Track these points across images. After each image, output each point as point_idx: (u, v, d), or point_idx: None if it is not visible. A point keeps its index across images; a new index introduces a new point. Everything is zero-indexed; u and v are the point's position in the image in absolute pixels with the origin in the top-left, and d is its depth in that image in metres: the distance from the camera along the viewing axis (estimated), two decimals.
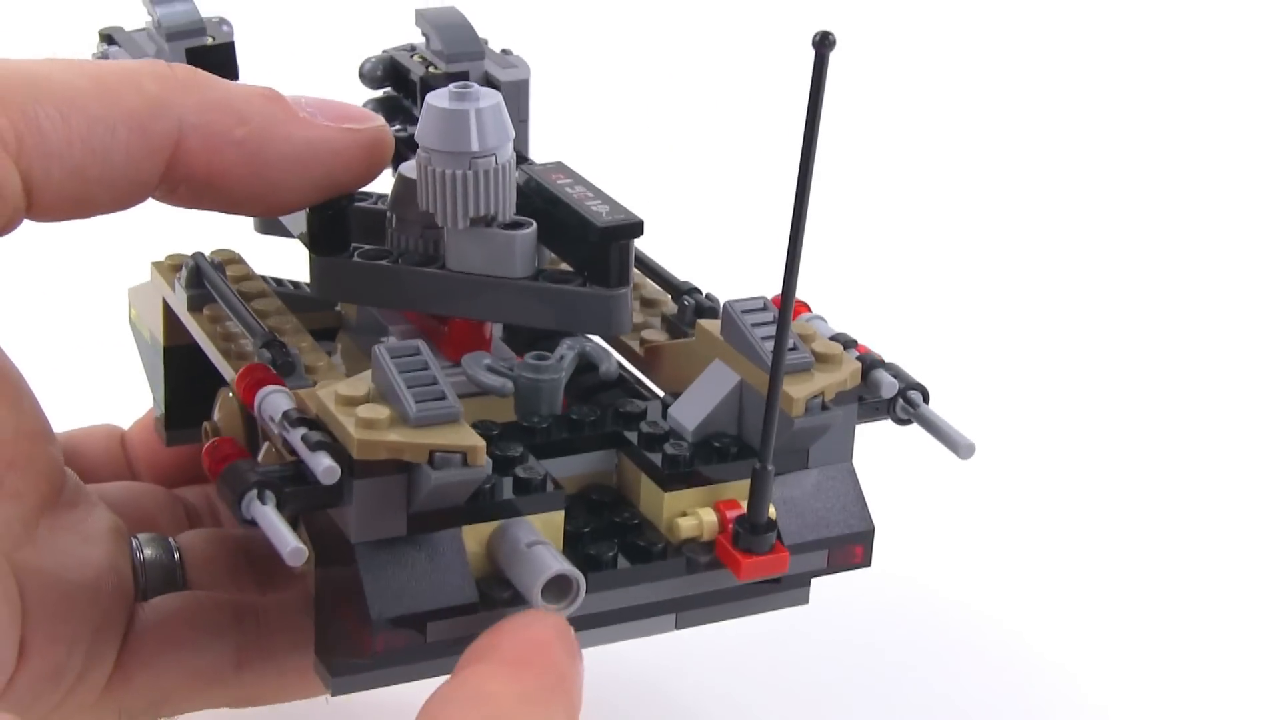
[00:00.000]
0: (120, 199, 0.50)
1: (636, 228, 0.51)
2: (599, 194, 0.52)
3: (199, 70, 0.51)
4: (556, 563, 0.45)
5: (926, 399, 0.52)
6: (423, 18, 0.60)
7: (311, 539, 0.48)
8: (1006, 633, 0.68)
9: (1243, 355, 0.89)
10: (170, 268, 0.56)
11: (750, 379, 0.49)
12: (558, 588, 0.46)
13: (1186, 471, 0.79)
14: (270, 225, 0.58)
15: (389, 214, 0.53)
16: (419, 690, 0.45)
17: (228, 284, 0.54)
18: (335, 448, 0.45)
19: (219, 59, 0.57)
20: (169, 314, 0.57)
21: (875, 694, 0.65)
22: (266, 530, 0.44)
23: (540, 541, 0.46)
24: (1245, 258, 0.98)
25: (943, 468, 0.66)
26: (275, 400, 0.47)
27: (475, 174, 0.50)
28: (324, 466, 0.44)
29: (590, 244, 0.51)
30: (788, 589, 0.53)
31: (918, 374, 0.53)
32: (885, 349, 0.53)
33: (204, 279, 0.55)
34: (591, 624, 0.50)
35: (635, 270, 0.58)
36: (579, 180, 0.53)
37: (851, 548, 0.50)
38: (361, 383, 0.46)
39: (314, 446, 0.45)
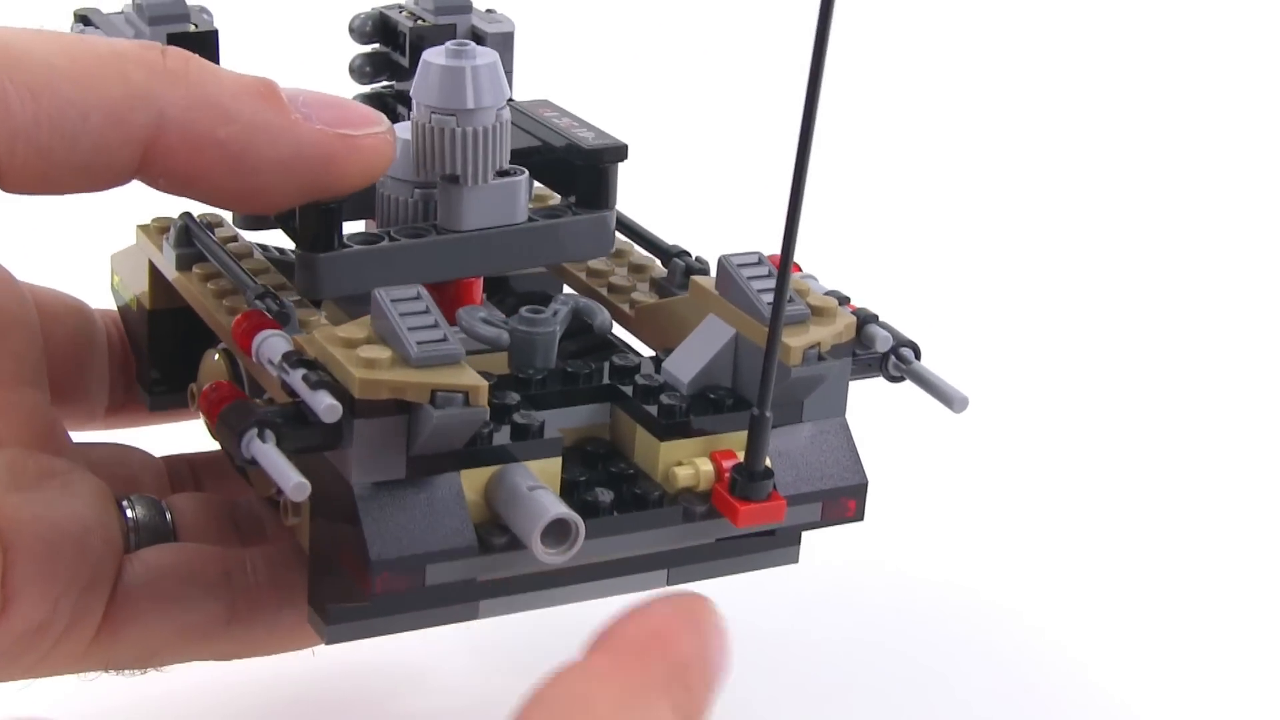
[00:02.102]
0: (94, 182, 0.48)
1: (621, 150, 0.54)
2: (584, 124, 0.55)
3: (194, 58, 0.49)
4: (556, 506, 0.45)
5: (918, 355, 0.52)
6: None
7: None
8: (1000, 609, 0.69)
9: (1235, 315, 0.90)
10: (157, 230, 0.56)
11: (746, 331, 0.49)
12: (557, 532, 0.45)
13: (1178, 441, 0.80)
14: (255, 220, 0.58)
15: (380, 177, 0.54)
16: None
17: (217, 242, 0.54)
18: (336, 387, 0.45)
19: (201, 46, 0.55)
20: (155, 276, 0.56)
21: (867, 666, 0.66)
22: (268, 467, 0.44)
23: (539, 486, 0.46)
24: (1236, 232, 1.00)
25: (932, 431, 0.67)
26: (274, 343, 0.47)
27: (501, 126, 0.51)
28: (325, 404, 0.44)
29: (578, 167, 0.53)
30: (779, 546, 0.53)
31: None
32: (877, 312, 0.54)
33: (193, 238, 0.54)
34: (584, 576, 0.50)
35: (623, 237, 0.58)
36: (565, 113, 0.55)
37: (845, 501, 0.50)
38: (361, 327, 0.46)
39: (315, 385, 0.45)
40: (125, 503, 0.54)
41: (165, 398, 0.58)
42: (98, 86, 0.47)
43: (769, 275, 0.50)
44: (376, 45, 0.61)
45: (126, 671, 0.53)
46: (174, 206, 0.56)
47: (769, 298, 0.49)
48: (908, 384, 0.52)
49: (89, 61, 0.47)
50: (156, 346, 0.57)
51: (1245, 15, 1.22)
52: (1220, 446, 0.81)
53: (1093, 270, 0.95)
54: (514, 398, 0.48)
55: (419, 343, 0.45)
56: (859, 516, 0.51)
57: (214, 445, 0.57)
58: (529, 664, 0.63)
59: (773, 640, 0.66)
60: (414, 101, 0.52)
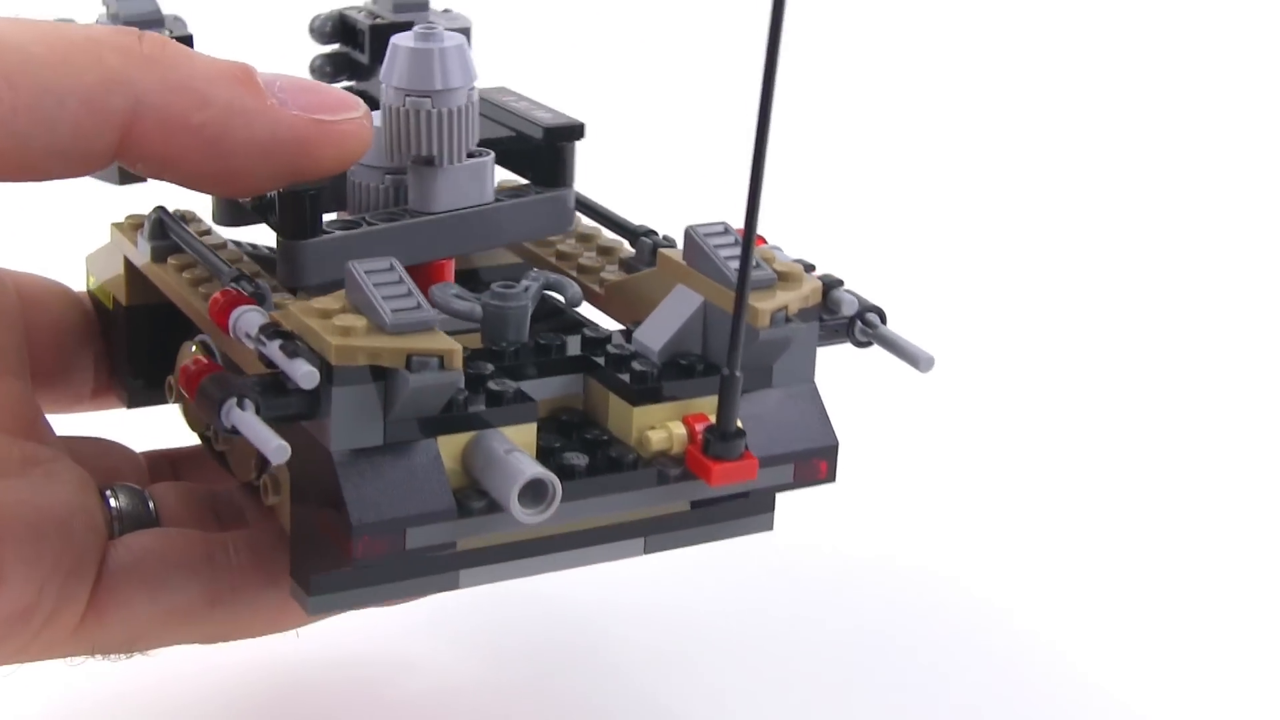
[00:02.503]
0: (73, 168, 0.49)
1: (577, 128, 0.55)
2: (542, 106, 0.56)
3: (170, 43, 0.49)
4: (532, 467, 0.46)
5: (884, 320, 0.53)
6: None
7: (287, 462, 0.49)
8: (985, 600, 0.70)
9: (1221, 301, 0.92)
10: (131, 226, 0.57)
11: (714, 299, 0.50)
12: (534, 492, 0.46)
13: (1168, 433, 0.81)
14: (232, 218, 0.58)
15: (351, 166, 0.55)
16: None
17: (191, 234, 0.55)
18: (313, 356, 0.46)
19: None
20: (131, 272, 0.57)
21: (853, 656, 0.66)
22: (248, 434, 0.45)
23: (516, 449, 0.47)
24: (1223, 221, 1.02)
25: (927, 431, 0.67)
26: (251, 317, 0.48)
27: (471, 106, 0.53)
28: (303, 371, 0.45)
29: (537, 148, 0.55)
30: (753, 514, 0.54)
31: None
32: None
33: (168, 230, 0.55)
34: (562, 545, 0.51)
35: (591, 221, 0.59)
36: (523, 98, 0.57)
37: (816, 463, 0.51)
38: (336, 299, 0.47)
39: (292, 354, 0.45)
40: (108, 492, 0.54)
41: (143, 393, 0.59)
42: (74, 72, 0.47)
43: (735, 244, 0.51)
44: (336, 46, 0.62)
45: (112, 656, 0.53)
46: (150, 204, 0.57)
47: (736, 264, 0.50)
48: (888, 386, 0.53)
49: (65, 48, 0.48)
50: (134, 343, 0.58)
51: (1244, 15, 1.23)
52: (1209, 435, 0.82)
53: (1081, 257, 0.96)
54: (488, 368, 0.49)
55: (394, 310, 0.46)
56: (830, 478, 0.52)
57: (193, 439, 0.58)
58: (508, 649, 0.65)
59: (762, 633, 0.67)
60: (383, 86, 0.53)
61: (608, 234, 0.59)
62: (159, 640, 0.53)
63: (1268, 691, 0.65)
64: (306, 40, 0.62)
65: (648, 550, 0.52)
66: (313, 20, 0.62)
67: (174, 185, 0.52)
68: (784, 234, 0.59)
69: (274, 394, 0.46)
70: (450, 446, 0.47)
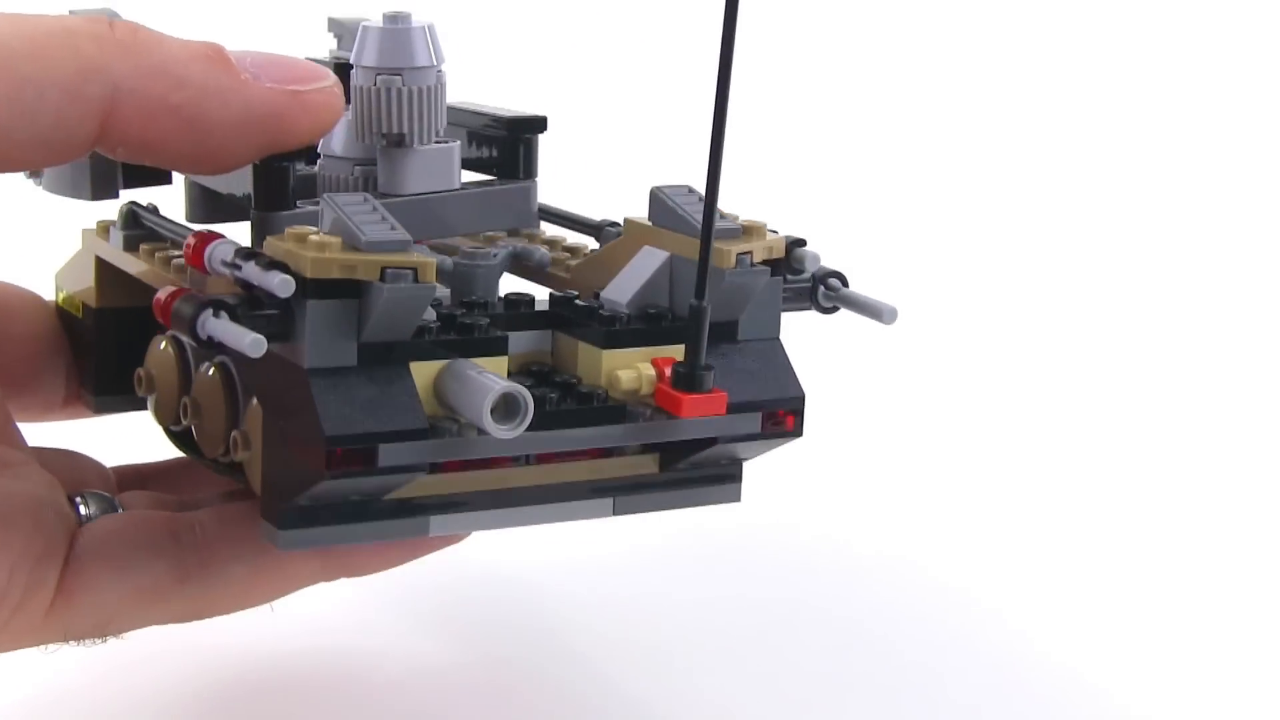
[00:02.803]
0: (55, 156, 0.50)
1: (540, 121, 0.57)
2: (499, 107, 0.58)
3: (141, 28, 0.51)
4: (504, 383, 0.46)
5: (845, 284, 0.54)
6: (336, 23, 0.64)
7: (259, 396, 0.49)
8: (979, 600, 0.70)
9: (1217, 297, 0.93)
10: (102, 228, 0.58)
11: (681, 251, 0.51)
12: (506, 407, 0.47)
13: (1159, 433, 0.82)
14: (206, 214, 0.60)
15: (320, 161, 0.56)
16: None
17: (164, 220, 0.56)
18: (289, 273, 0.46)
19: None
20: (102, 273, 0.58)
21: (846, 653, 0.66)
22: (224, 336, 0.45)
23: (486, 371, 0.47)
24: (1205, 221, 1.04)
25: (920, 430, 0.67)
26: (225, 247, 0.49)
27: (441, 87, 0.54)
28: (278, 279, 0.46)
29: (501, 141, 0.56)
30: (721, 482, 0.54)
31: None
32: None
33: (140, 219, 0.56)
34: (531, 499, 0.51)
35: (555, 227, 0.61)
36: (480, 103, 0.59)
37: (783, 415, 0.52)
38: (310, 230, 0.48)
39: (267, 267, 0.46)
40: (78, 499, 0.54)
41: (111, 399, 0.59)
42: (52, 63, 0.48)
43: (699, 202, 0.52)
44: None
45: (86, 641, 0.53)
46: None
47: (701, 216, 0.51)
48: (877, 379, 0.54)
49: (42, 39, 0.49)
50: (103, 346, 0.58)
51: (1244, 14, 1.26)
52: (1203, 431, 0.83)
53: (1073, 253, 0.98)
54: (459, 311, 0.50)
55: (369, 230, 0.47)
56: (798, 432, 0.52)
57: (162, 455, 0.59)
58: (481, 636, 0.64)
59: (740, 625, 0.67)
60: (354, 69, 0.55)
61: (572, 236, 0.60)
62: (131, 621, 0.53)
63: (1262, 690, 0.65)
64: None
65: (616, 511, 0.52)
66: None
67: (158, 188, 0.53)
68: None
69: (249, 306, 0.46)
70: (422, 375, 0.48)
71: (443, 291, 0.54)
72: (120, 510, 0.55)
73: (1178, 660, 0.67)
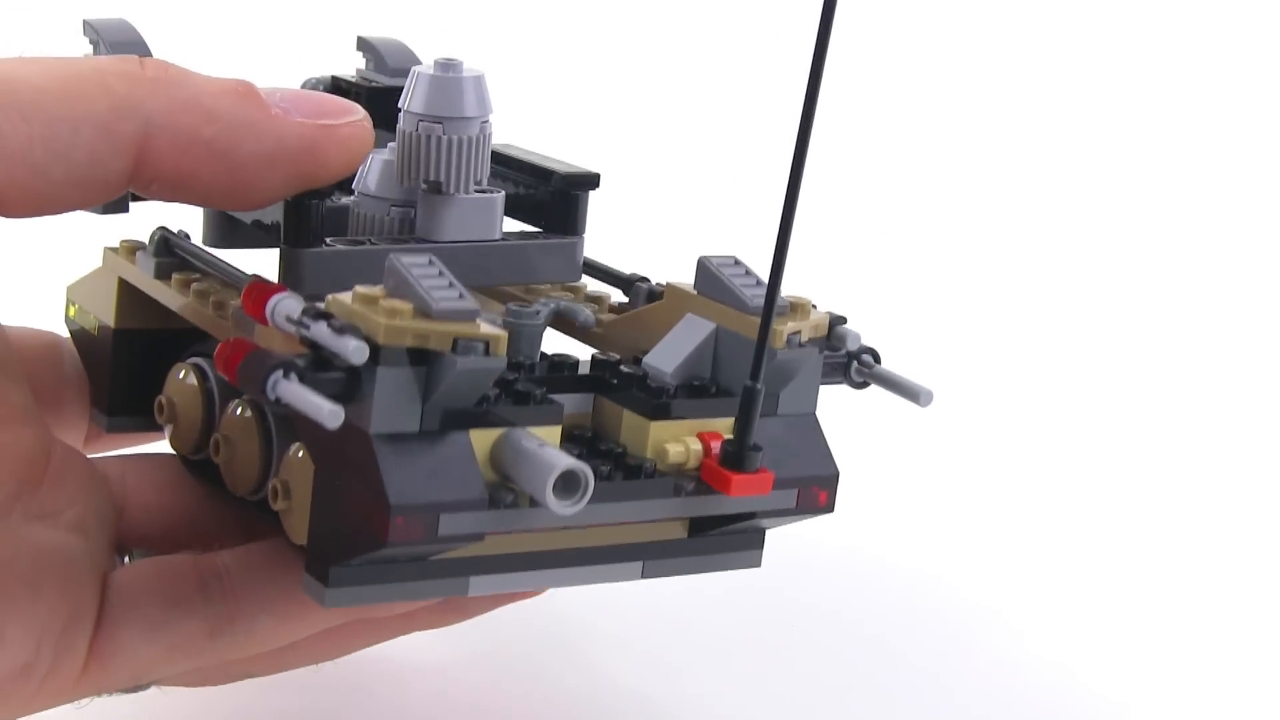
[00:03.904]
0: (90, 196, 0.50)
1: (593, 178, 0.57)
2: (552, 158, 0.58)
3: (170, 65, 0.51)
4: (567, 458, 0.47)
5: (878, 360, 0.55)
6: (365, 43, 0.64)
7: (310, 450, 0.49)
8: (982, 606, 0.71)
9: (1210, 307, 0.96)
10: (128, 250, 0.57)
11: (728, 323, 0.52)
12: (566, 483, 0.47)
13: (1155, 439, 0.84)
14: (224, 238, 0.59)
15: (355, 198, 0.56)
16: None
17: (199, 249, 0.55)
18: (360, 336, 0.46)
19: None
20: (124, 295, 0.57)
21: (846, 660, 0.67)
22: (298, 402, 0.45)
23: (547, 444, 0.48)
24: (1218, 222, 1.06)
25: (914, 435, 0.69)
26: (290, 302, 0.49)
27: (485, 138, 0.54)
28: (353, 346, 0.46)
29: (552, 193, 0.56)
30: (745, 549, 0.55)
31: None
32: None
33: (174, 247, 0.56)
34: (566, 561, 0.52)
35: (586, 278, 0.61)
36: (531, 152, 0.59)
37: (816, 491, 0.53)
38: (375, 289, 0.48)
39: (340, 330, 0.46)
40: (126, 559, 0.55)
41: (123, 419, 0.58)
42: (84, 101, 0.48)
43: (747, 274, 0.53)
44: None
45: (119, 693, 0.53)
46: (127, 234, 0.58)
47: (751, 291, 0.52)
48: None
49: (73, 80, 0.49)
50: (120, 367, 0.58)
51: (1239, 19, 1.28)
52: (1192, 439, 0.85)
53: (1064, 265, 0.99)
54: (512, 374, 0.50)
55: (440, 297, 0.47)
56: (829, 508, 0.53)
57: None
58: (479, 635, 0.65)
59: (744, 630, 0.69)
60: (401, 113, 0.54)
61: (596, 282, 0.60)
62: (163, 674, 0.53)
63: (1258, 691, 0.67)
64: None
65: (645, 575, 0.53)
66: (304, 84, 0.63)
67: (167, 206, 0.53)
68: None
69: (318, 368, 0.46)
70: (480, 441, 0.48)
71: None
72: None
73: (1178, 661, 0.68)
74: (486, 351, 0.47)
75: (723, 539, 0.54)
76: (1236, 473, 0.83)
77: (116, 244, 0.58)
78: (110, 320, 0.58)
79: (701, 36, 1.25)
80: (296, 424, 0.50)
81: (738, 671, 0.66)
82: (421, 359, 0.47)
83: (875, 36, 1.25)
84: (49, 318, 0.61)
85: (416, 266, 0.48)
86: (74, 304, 0.60)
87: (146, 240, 0.57)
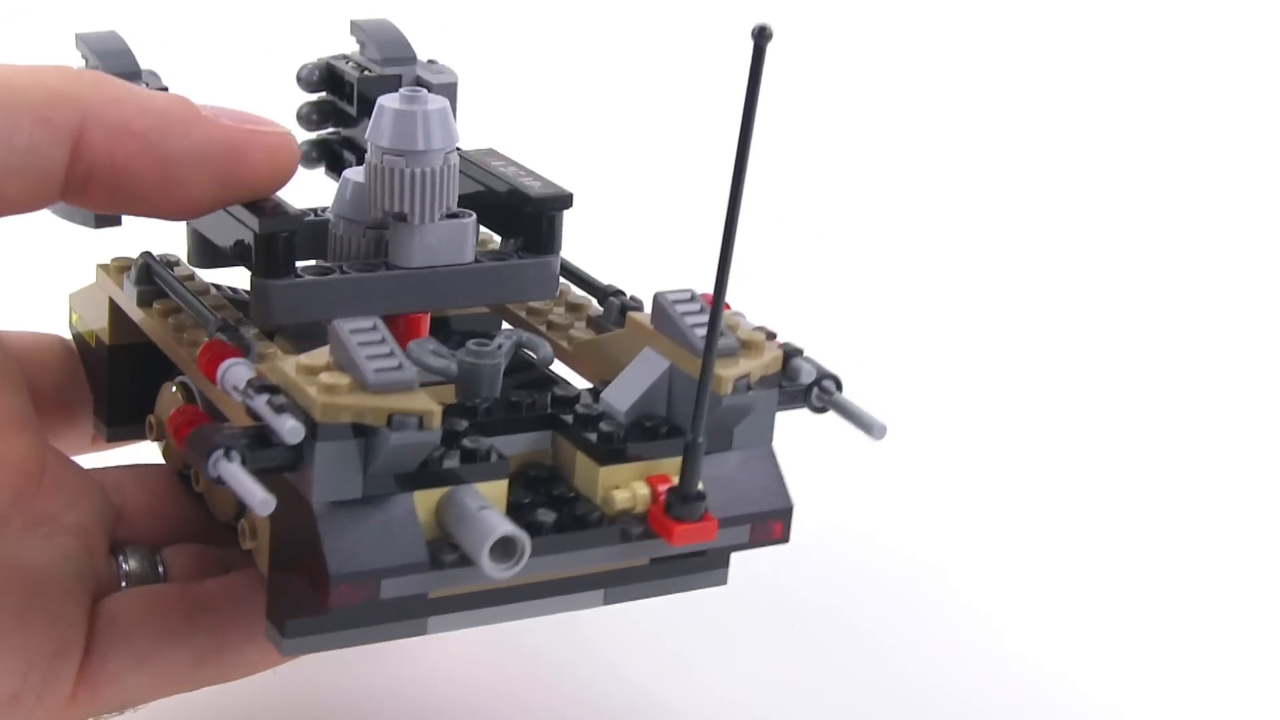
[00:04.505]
0: (29, 191, 0.51)
1: (567, 199, 0.57)
2: (530, 172, 0.58)
3: (106, 74, 0.53)
4: (504, 524, 0.48)
5: (840, 387, 0.56)
6: (357, 27, 0.64)
7: None
8: (973, 608, 0.72)
9: (1198, 310, 0.95)
10: (117, 269, 0.59)
11: (680, 363, 0.53)
12: (504, 549, 0.48)
13: (1146, 449, 0.84)
14: (205, 258, 0.60)
15: (333, 219, 0.57)
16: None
17: (177, 279, 0.57)
18: (298, 411, 0.48)
19: None
20: (115, 313, 0.59)
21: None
22: (234, 485, 0.47)
23: (487, 506, 0.49)
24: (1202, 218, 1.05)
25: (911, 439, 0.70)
26: (238, 371, 0.50)
27: (449, 169, 0.55)
28: (289, 427, 0.47)
29: (525, 215, 0.56)
30: (709, 569, 0.56)
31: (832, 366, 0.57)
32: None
33: (154, 275, 0.57)
34: (525, 595, 0.53)
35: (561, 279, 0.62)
36: (511, 162, 0.59)
37: (771, 524, 0.54)
38: (321, 355, 0.49)
39: (278, 409, 0.48)
40: (120, 556, 0.57)
41: (122, 429, 0.61)
42: (22, 91, 0.50)
43: (701, 310, 0.53)
44: (323, 94, 0.64)
45: (105, 717, 0.56)
46: (125, 247, 0.60)
47: (701, 332, 0.52)
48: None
49: (9, 75, 0.50)
50: (115, 380, 0.60)
51: (1233, 17, 1.26)
52: (1182, 440, 0.84)
53: (1054, 267, 0.99)
54: (462, 424, 0.51)
55: (376, 370, 0.48)
56: (784, 539, 0.54)
57: None
58: (479, 634, 0.66)
59: (753, 631, 0.69)
60: (369, 144, 0.55)
61: (576, 290, 0.61)
62: (148, 699, 0.55)
63: (1249, 691, 0.67)
64: (292, 88, 0.64)
65: (607, 601, 0.55)
66: (300, 69, 0.64)
67: (131, 218, 0.54)
68: (748, 297, 0.61)
69: (259, 446, 0.48)
70: (425, 500, 0.49)
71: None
72: (161, 567, 0.57)
73: (1169, 662, 0.69)
74: (421, 425, 0.48)
75: (685, 562, 0.55)
76: (1228, 473, 0.82)
77: (109, 260, 0.60)
78: (105, 336, 0.60)
79: (701, 37, 1.23)
80: None
81: (738, 671, 0.67)
82: (361, 429, 0.48)
83: (843, 49, 1.24)
84: (57, 322, 0.63)
85: (358, 334, 0.49)
86: (76, 313, 0.62)
87: (135, 258, 0.58)
